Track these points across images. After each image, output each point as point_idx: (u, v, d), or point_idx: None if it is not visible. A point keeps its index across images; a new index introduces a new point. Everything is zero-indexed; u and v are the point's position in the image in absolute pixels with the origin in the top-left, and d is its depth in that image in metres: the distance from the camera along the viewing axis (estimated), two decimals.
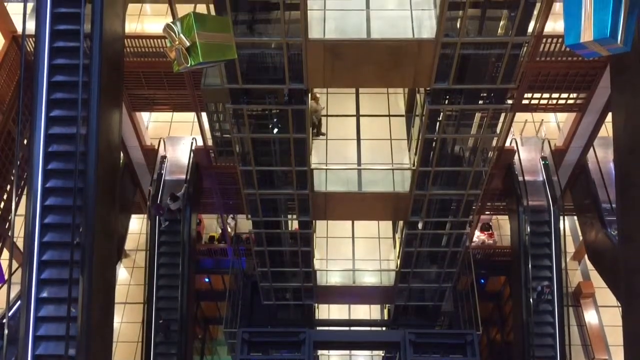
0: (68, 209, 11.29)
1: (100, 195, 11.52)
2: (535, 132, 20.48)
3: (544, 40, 15.00)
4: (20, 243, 13.33)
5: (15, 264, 12.14)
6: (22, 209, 12.19)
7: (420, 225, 15.07)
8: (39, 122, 10.89)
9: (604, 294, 20.80)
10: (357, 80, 12.51)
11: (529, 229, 18.48)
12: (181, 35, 7.02)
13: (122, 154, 18.08)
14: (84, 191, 11.17)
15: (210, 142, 18.67)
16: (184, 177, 19.08)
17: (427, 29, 10.98)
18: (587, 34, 5.56)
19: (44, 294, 11.48)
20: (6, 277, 11.71)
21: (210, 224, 24.56)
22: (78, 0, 10.38)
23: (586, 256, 21.54)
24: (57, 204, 11.48)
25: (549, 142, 19.32)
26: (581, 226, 20.62)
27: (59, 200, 11.46)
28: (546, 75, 16.03)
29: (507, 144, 18.99)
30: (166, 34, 7.17)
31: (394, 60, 11.13)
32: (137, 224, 24.16)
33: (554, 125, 21.04)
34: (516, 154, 19.30)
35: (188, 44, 7.04)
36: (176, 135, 20.20)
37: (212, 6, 10.14)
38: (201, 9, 13.29)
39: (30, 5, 11.17)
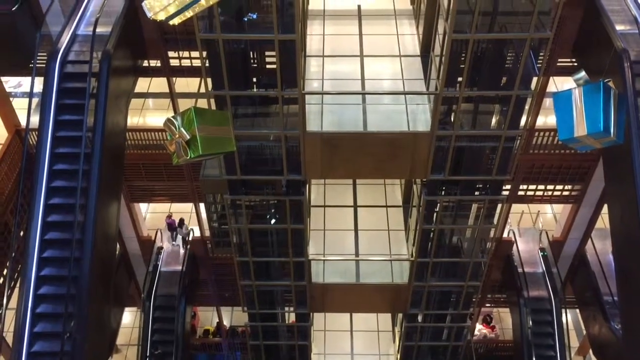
0: (61, 298, 11.06)
1: (95, 286, 11.33)
2: (532, 223, 20.50)
3: (537, 133, 15.36)
4: (9, 338, 12.94)
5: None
6: (13, 303, 11.93)
7: (419, 318, 14.76)
8: (37, 210, 10.88)
9: None
10: (355, 172, 12.68)
11: (530, 322, 18.10)
12: (181, 128, 7.16)
13: (118, 245, 17.97)
14: (78, 281, 11.00)
15: (207, 233, 18.63)
16: (180, 268, 18.86)
17: (422, 122, 11.26)
18: (580, 129, 5.73)
19: None
20: None
21: (206, 317, 24.02)
22: (82, 94, 10.65)
23: (591, 351, 20.92)
24: (51, 292, 11.26)
25: (546, 233, 19.31)
26: (584, 319, 20.18)
27: (52, 289, 11.25)
28: (540, 167, 16.28)
29: (505, 235, 18.97)
30: (167, 127, 7.32)
31: (391, 152, 11.33)
32: (130, 318, 23.59)
33: (550, 216, 21.10)
34: (514, 245, 19.23)
35: (188, 137, 7.17)
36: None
37: (212, 100, 10.43)
38: (202, 103, 13.69)
39: (35, 101, 11.46)
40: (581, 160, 15.97)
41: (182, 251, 19.46)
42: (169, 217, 19.63)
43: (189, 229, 19.43)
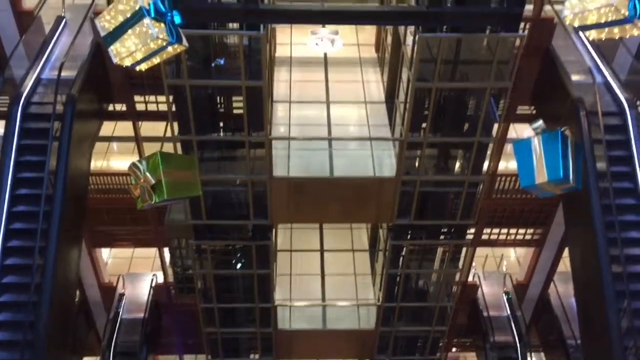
0: (17, 345, 10.63)
1: (52, 334, 10.93)
2: (496, 267, 20.70)
3: (499, 178, 15.69)
4: None
5: None
6: None
7: None
8: None
9: None
10: (321, 216, 12.71)
11: None
12: (147, 173, 7.09)
13: (78, 292, 17.44)
14: (35, 327, 10.62)
15: (171, 279, 18.24)
16: (142, 315, 18.37)
17: (388, 167, 11.42)
18: (541, 176, 5.91)
19: None
20: None
21: None
22: (45, 138, 10.50)
23: None
24: (6, 339, 10.82)
25: (510, 276, 19.50)
26: None
27: (7, 335, 10.82)
28: (503, 211, 16.56)
29: (470, 278, 19.09)
30: (131, 172, 7.24)
31: (357, 197, 11.42)
32: None
33: (514, 259, 21.36)
34: (479, 288, 19.34)
35: (153, 181, 7.10)
36: (136, 272, 19.72)
37: (179, 145, 10.40)
38: (168, 147, 13.63)
39: None
40: (542, 204, 16.32)
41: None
42: None
43: None
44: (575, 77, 11.59)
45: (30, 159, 10.77)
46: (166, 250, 17.39)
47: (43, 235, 10.50)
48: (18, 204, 10.67)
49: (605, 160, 10.73)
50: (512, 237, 17.64)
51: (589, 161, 10.59)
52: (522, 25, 11.31)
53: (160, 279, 18.88)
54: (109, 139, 18.02)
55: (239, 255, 12.55)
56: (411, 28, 9.90)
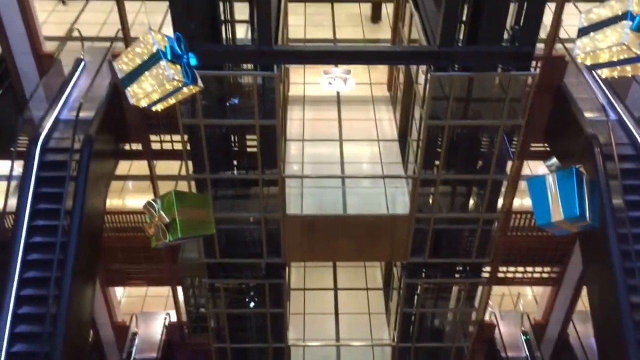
0: None
1: None
2: (513, 306, 20.36)
3: (513, 215, 15.56)
4: None
5: None
6: None
7: None
8: (7, 301, 10.54)
9: None
10: (335, 254, 12.64)
11: None
12: (161, 212, 7.15)
13: (91, 332, 17.38)
14: None
15: (184, 318, 18.13)
16: (155, 355, 18.21)
17: (401, 205, 11.39)
18: (557, 214, 5.87)
19: None
20: None
21: None
22: (62, 179, 10.61)
23: None
24: None
25: (528, 316, 19.16)
26: None
27: None
28: (518, 249, 16.38)
29: (487, 317, 18.78)
30: (146, 210, 7.30)
31: (370, 235, 11.37)
32: None
33: (531, 298, 21.01)
34: (496, 328, 19.00)
35: (167, 220, 7.15)
36: (149, 311, 19.63)
37: (193, 183, 10.48)
38: (182, 185, 13.73)
39: (13, 184, 11.40)
40: (558, 242, 16.13)
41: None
42: None
43: None
44: (588, 114, 11.59)
45: (47, 201, 10.85)
46: (179, 289, 17.36)
47: (58, 279, 10.51)
48: (32, 251, 10.72)
49: (621, 198, 10.63)
50: (529, 275, 17.40)
51: (605, 198, 10.50)
52: (533, 63, 11.39)
53: (174, 318, 18.78)
54: (124, 177, 18.21)
55: (252, 293, 12.48)
56: (423, 67, 10.00)
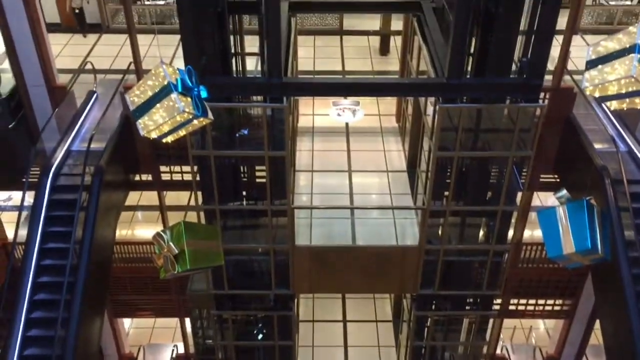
0: None
1: None
2: (525, 339, 20.04)
3: (524, 247, 15.43)
4: None
5: None
6: None
7: None
8: (14, 342, 10.52)
9: None
10: (344, 286, 12.55)
11: None
12: (170, 243, 7.16)
13: None
14: None
15: (192, 350, 17.96)
16: None
17: (411, 236, 11.34)
18: (568, 247, 5.83)
19: None
20: None
21: None
22: (72, 208, 10.66)
23: None
24: None
25: (540, 349, 18.84)
26: None
27: None
28: (529, 281, 16.20)
29: (499, 351, 18.47)
30: (155, 241, 7.32)
31: (380, 266, 11.30)
32: None
33: (543, 331, 20.69)
34: None
35: (176, 251, 7.16)
36: (157, 343, 19.49)
37: (202, 213, 10.49)
38: (191, 216, 13.74)
39: (24, 214, 11.47)
40: (570, 274, 15.93)
41: None
42: None
43: None
44: (598, 146, 11.56)
45: (57, 233, 10.89)
46: (187, 321, 17.23)
47: (66, 306, 10.50)
48: (43, 274, 10.74)
49: (633, 229, 10.53)
50: (541, 308, 17.16)
51: (616, 230, 10.40)
52: (542, 94, 11.43)
53: (181, 350, 18.62)
54: (134, 207, 18.29)
55: (260, 325, 12.38)
56: (431, 98, 10.06)
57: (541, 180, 13.84)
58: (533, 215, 14.89)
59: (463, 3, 8.08)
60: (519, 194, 10.39)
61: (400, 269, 11.29)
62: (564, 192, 6.06)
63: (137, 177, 14.30)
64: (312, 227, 11.54)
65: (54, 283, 10.74)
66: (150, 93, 5.83)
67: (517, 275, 15.96)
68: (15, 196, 18.82)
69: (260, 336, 12.45)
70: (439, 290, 11.32)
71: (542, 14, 8.23)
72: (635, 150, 11.51)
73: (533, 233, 15.92)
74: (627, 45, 4.77)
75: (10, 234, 14.86)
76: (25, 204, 11.42)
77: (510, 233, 10.93)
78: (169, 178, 14.44)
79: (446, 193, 10.33)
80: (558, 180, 13.56)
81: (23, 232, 11.16)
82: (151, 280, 16.42)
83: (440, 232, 10.88)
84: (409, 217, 11.81)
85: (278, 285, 11.35)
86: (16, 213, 11.39)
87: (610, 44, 4.88)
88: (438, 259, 10.88)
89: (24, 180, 11.29)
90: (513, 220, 10.83)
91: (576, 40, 12.22)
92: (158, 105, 5.82)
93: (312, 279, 11.44)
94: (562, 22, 9.58)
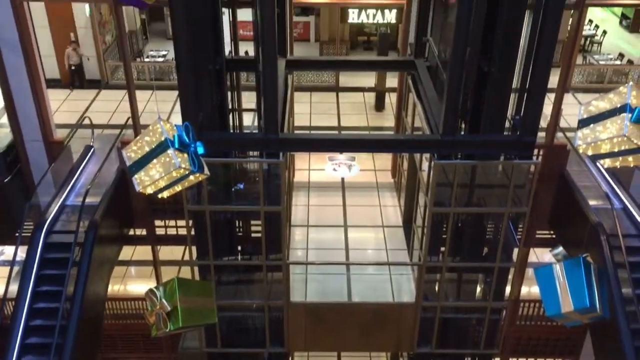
0: None
1: None
2: None
3: (522, 304, 15.25)
4: None
5: None
6: None
7: None
8: None
9: None
10: (339, 344, 12.30)
11: None
12: (163, 300, 7.06)
13: None
14: None
15: None
16: None
17: (407, 292, 11.21)
18: (566, 305, 5.78)
19: None
20: None
21: None
22: (65, 265, 10.52)
23: None
24: None
25: None
26: None
27: None
28: (528, 339, 15.94)
29: None
30: (148, 298, 7.21)
31: (376, 323, 11.12)
32: None
33: None
34: None
35: (169, 308, 7.04)
36: None
37: (196, 268, 10.37)
38: (185, 271, 13.58)
39: (15, 269, 11.31)
40: (569, 332, 15.70)
41: None
42: None
43: None
44: (592, 202, 11.60)
45: (48, 288, 10.70)
46: None
47: None
48: (32, 335, 10.48)
49: (630, 284, 10.44)
50: None
51: (614, 287, 10.31)
52: (535, 151, 11.54)
53: None
54: (127, 262, 18.07)
55: None
56: (427, 154, 10.14)
57: (537, 236, 13.82)
58: (530, 272, 14.82)
59: (456, 62, 8.24)
60: (515, 250, 10.33)
61: (396, 326, 11.10)
62: (560, 249, 6.05)
63: (131, 232, 14.21)
64: (307, 283, 11.41)
65: (43, 344, 10.48)
66: (147, 149, 5.86)
67: (515, 333, 15.72)
68: (8, 251, 18.63)
69: None
70: (436, 349, 11.11)
71: (534, 72, 8.40)
72: (630, 207, 11.54)
73: (530, 289, 15.77)
74: (618, 105, 4.85)
75: (0, 289, 14.62)
76: (18, 258, 11.29)
77: (508, 289, 10.82)
78: (163, 232, 14.35)
79: (442, 248, 10.27)
80: (554, 236, 13.54)
81: (14, 287, 10.98)
82: (142, 337, 16.08)
83: (437, 288, 10.76)
84: (405, 272, 11.71)
85: (273, 343, 11.12)
86: (8, 267, 11.22)
87: (601, 104, 4.96)
88: (435, 316, 10.72)
89: (17, 234, 11.20)
90: (510, 277, 10.73)
91: (568, 98, 12.44)
92: (155, 160, 5.85)
93: (307, 336, 11.23)
94: (553, 80, 9.77)
